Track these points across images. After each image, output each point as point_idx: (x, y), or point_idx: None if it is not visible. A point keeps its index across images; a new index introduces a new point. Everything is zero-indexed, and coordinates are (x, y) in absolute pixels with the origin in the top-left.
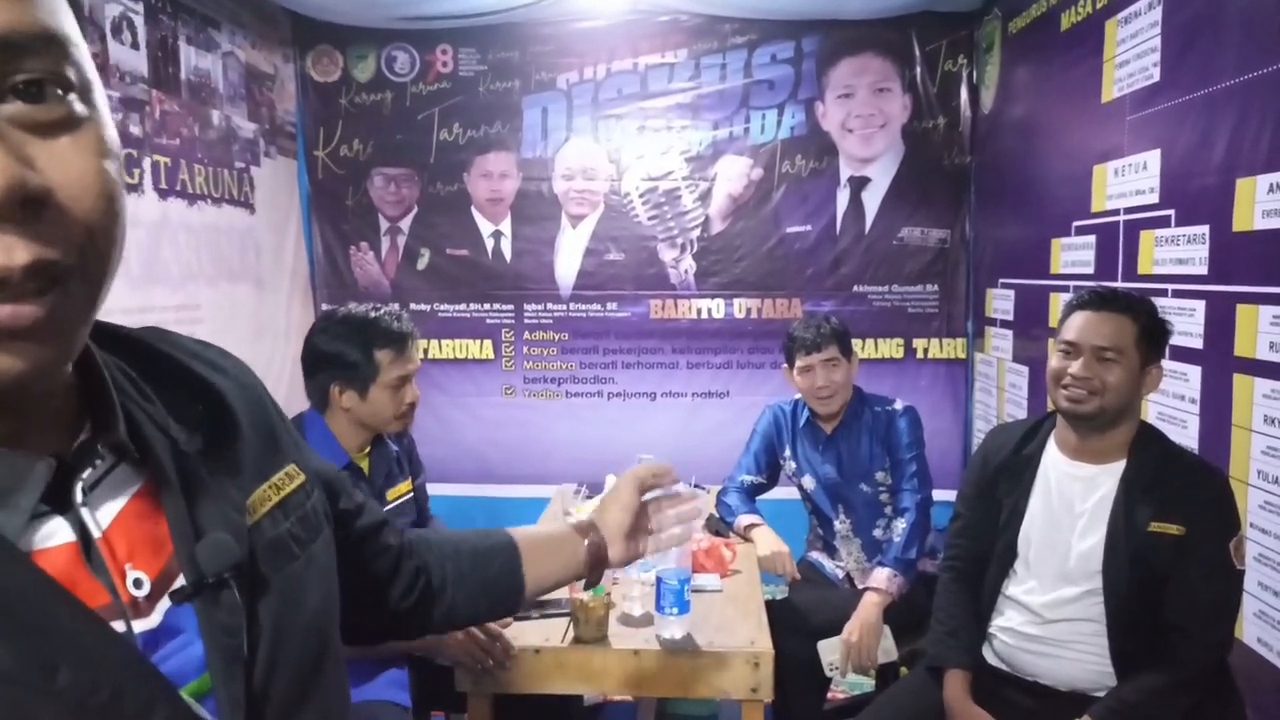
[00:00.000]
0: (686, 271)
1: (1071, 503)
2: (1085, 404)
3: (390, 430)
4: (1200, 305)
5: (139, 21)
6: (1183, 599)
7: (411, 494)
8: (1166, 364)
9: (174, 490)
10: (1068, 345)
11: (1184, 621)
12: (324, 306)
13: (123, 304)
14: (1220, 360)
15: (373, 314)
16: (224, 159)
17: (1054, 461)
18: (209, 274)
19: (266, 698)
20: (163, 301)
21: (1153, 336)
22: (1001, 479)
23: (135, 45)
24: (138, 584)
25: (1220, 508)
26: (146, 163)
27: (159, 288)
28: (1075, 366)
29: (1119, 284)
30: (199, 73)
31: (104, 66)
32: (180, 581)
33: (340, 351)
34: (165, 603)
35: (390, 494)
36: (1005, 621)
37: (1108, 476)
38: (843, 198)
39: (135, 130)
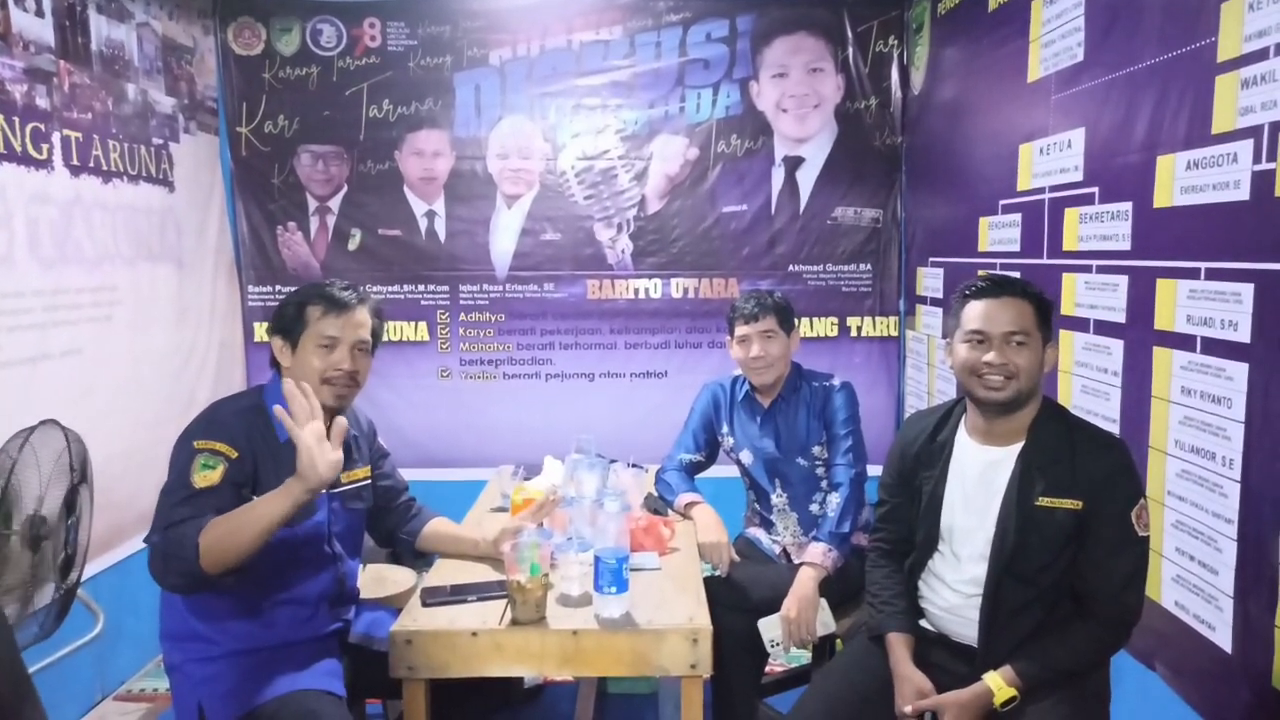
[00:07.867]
0: (623, 251)
1: (986, 487)
2: (1004, 390)
3: (322, 400)
4: (1123, 280)
5: None
6: (1092, 570)
7: (369, 480)
8: (1091, 338)
9: None
10: (976, 335)
11: (1096, 591)
12: (250, 288)
13: (34, 286)
14: (1141, 334)
15: (328, 282)
16: (140, 135)
17: (965, 448)
18: (126, 255)
19: None
20: (77, 284)
21: (1046, 317)
22: (920, 467)
23: (40, 13)
24: None
25: (1120, 479)
26: (56, 137)
27: (72, 269)
28: (989, 355)
29: (1044, 261)
30: (111, 44)
31: (5, 34)
32: None
33: (282, 306)
34: None
35: (344, 477)
36: (934, 597)
37: (1012, 457)
38: (778, 177)
39: (42, 102)
